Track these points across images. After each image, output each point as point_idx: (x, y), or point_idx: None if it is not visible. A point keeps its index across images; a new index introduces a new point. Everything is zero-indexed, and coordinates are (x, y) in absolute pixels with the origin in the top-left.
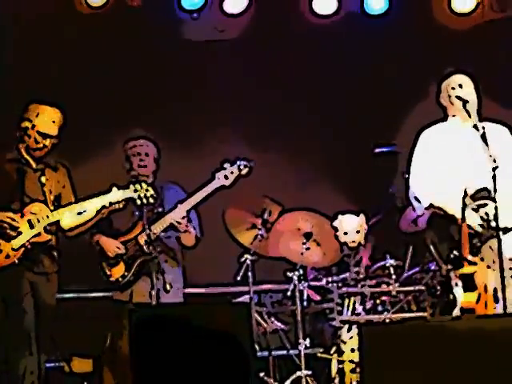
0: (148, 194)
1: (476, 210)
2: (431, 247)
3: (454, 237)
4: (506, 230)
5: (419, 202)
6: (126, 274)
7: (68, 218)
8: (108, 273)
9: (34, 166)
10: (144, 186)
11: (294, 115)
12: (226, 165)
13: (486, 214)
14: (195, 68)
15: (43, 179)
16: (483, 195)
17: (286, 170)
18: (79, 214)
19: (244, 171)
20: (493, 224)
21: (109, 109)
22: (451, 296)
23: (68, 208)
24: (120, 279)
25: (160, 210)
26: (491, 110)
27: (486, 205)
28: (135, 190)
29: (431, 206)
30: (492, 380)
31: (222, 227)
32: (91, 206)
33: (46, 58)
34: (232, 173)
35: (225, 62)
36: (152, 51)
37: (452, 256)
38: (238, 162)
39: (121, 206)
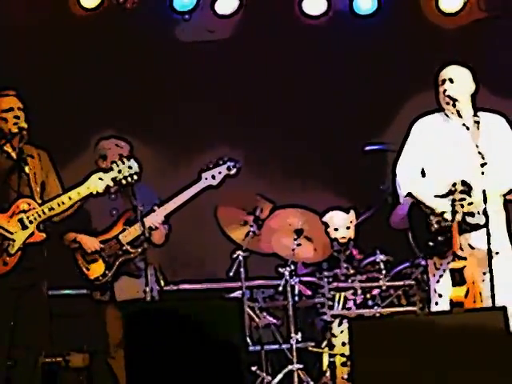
0: (132, 172)
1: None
2: (410, 236)
3: (431, 228)
4: (477, 226)
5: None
6: (106, 272)
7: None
8: (85, 271)
9: (15, 157)
10: (126, 162)
11: (285, 114)
12: (213, 165)
13: (462, 205)
14: (187, 68)
15: (27, 169)
16: (463, 189)
17: (277, 167)
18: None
19: (233, 171)
20: (469, 220)
21: (103, 109)
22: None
23: (57, 200)
24: (100, 278)
25: (141, 209)
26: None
27: (463, 199)
28: (119, 171)
29: (409, 194)
30: (480, 373)
31: (215, 224)
32: (76, 195)
33: (40, 59)
34: (220, 173)
35: (216, 63)
36: (145, 52)
37: (427, 246)
38: (228, 163)
39: (105, 190)
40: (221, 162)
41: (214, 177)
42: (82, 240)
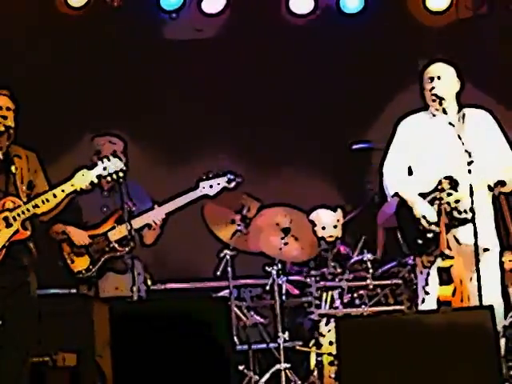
0: (118, 169)
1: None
2: (398, 234)
3: (419, 225)
4: (464, 221)
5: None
6: (90, 267)
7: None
8: (69, 263)
9: (1, 156)
10: (112, 159)
11: (272, 113)
12: (212, 175)
13: (448, 203)
14: (174, 67)
15: (13, 169)
16: (450, 186)
17: (263, 166)
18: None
19: (232, 184)
20: (456, 214)
21: (90, 108)
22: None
23: (41, 198)
24: (83, 272)
25: (134, 209)
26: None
27: (450, 194)
28: (104, 168)
29: (396, 194)
30: (467, 372)
31: (202, 223)
32: (61, 192)
33: (27, 58)
34: (219, 184)
35: (203, 61)
36: (132, 51)
37: (416, 244)
38: (229, 175)
39: (89, 187)
40: (221, 174)
41: (211, 186)
42: (71, 232)
